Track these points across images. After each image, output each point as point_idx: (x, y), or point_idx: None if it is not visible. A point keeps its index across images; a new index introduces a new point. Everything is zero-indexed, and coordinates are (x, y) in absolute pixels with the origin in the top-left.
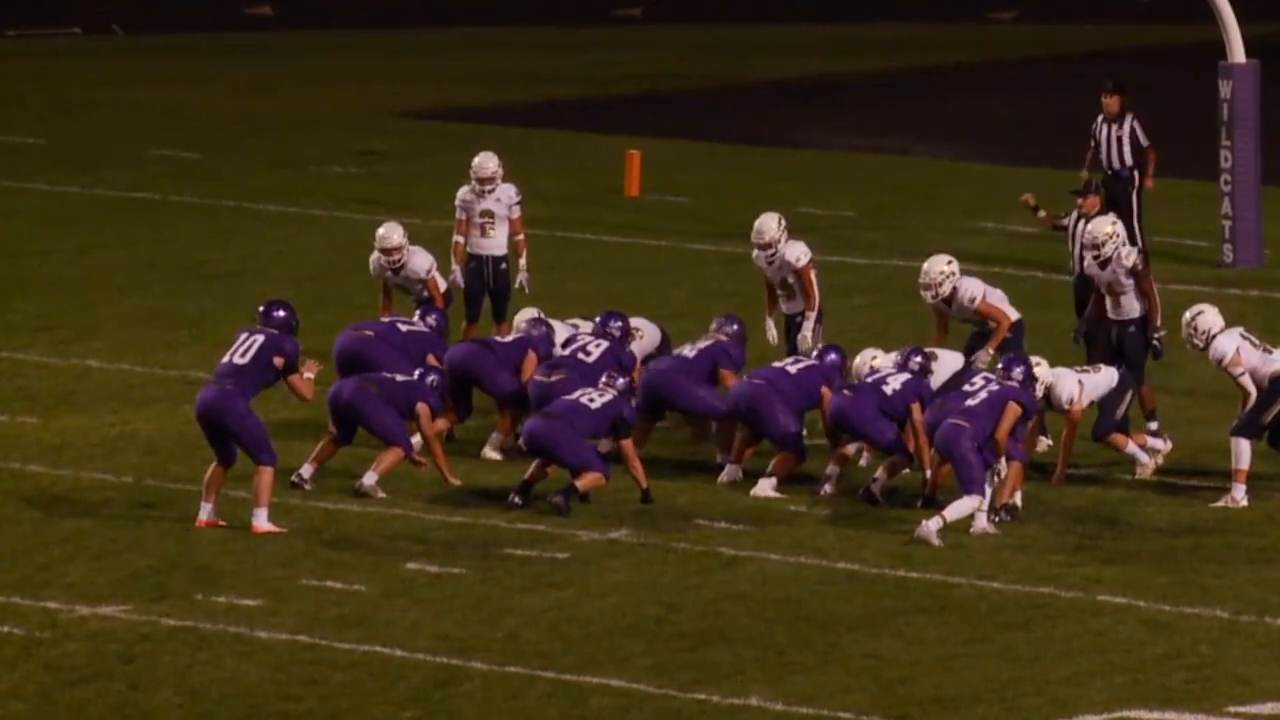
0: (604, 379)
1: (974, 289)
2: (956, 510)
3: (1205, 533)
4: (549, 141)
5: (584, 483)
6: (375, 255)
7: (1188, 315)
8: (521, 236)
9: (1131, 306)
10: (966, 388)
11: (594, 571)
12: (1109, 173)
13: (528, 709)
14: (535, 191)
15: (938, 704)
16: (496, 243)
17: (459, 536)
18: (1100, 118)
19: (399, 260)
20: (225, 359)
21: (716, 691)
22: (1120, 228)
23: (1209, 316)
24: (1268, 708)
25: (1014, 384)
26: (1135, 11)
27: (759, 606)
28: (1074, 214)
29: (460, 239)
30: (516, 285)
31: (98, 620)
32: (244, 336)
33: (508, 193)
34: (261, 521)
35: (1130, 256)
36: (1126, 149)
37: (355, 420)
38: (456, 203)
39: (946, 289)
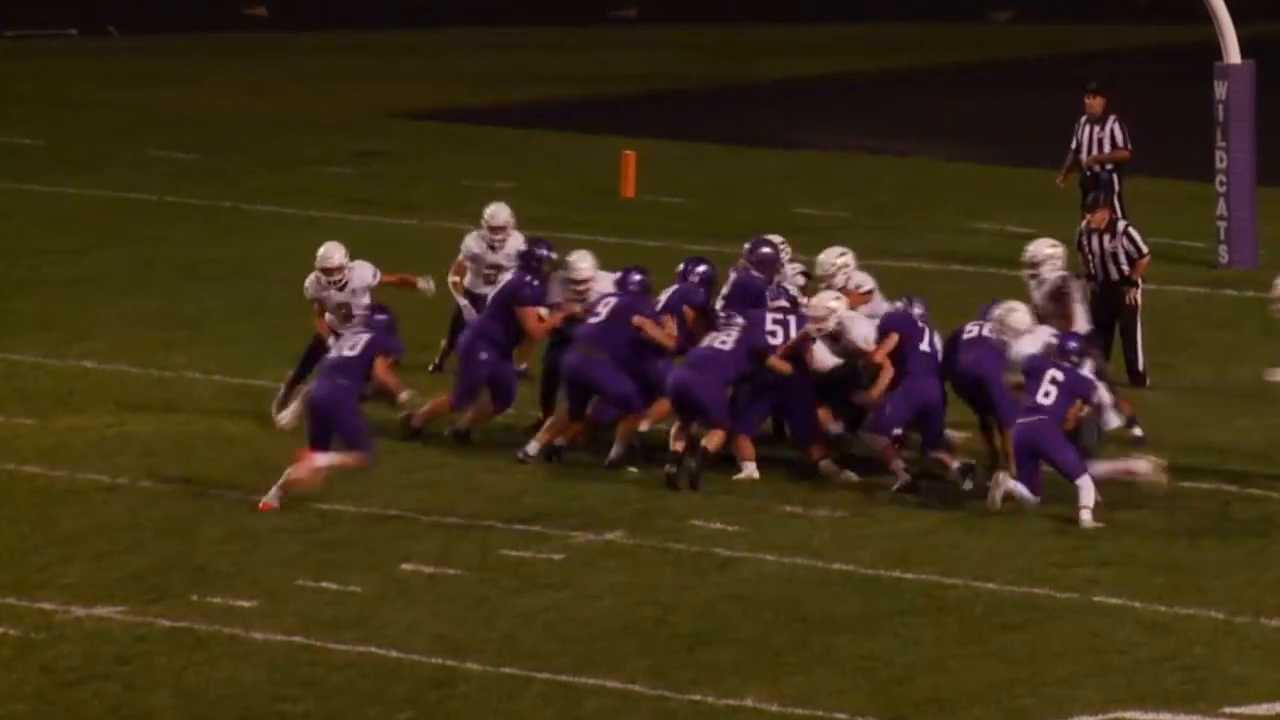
0: (723, 318)
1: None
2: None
3: (1201, 534)
4: (545, 142)
5: (712, 443)
6: (314, 276)
7: (999, 311)
8: None
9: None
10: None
11: (590, 572)
12: (1088, 174)
13: (523, 710)
14: (531, 192)
15: (934, 705)
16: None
17: (455, 537)
18: (1083, 118)
19: (341, 279)
20: (333, 354)
21: (712, 692)
22: (1061, 250)
23: (1020, 316)
24: (1263, 709)
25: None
26: (1134, 12)
27: (755, 607)
28: (1082, 228)
29: (458, 279)
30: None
31: (94, 621)
32: (351, 333)
33: (518, 245)
34: (321, 461)
35: (1053, 279)
36: (1107, 150)
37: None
38: (463, 252)
39: (840, 280)
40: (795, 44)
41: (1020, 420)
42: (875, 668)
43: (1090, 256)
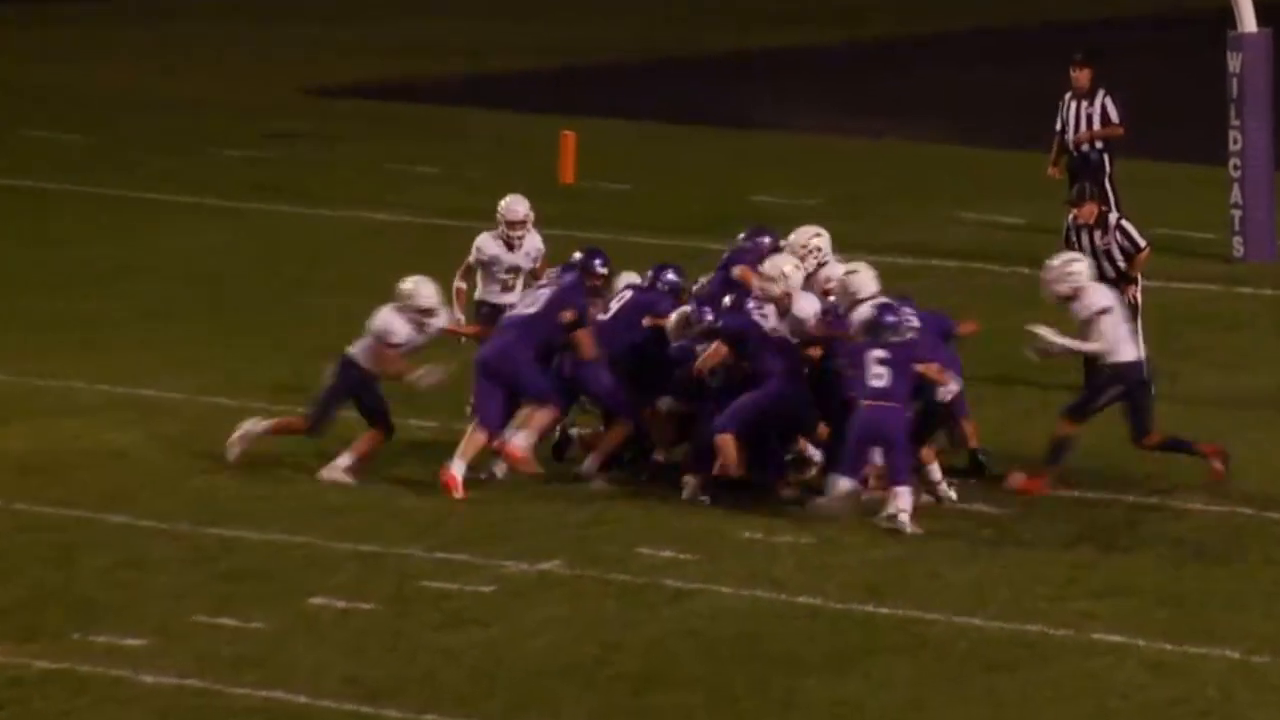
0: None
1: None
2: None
3: (1213, 562)
4: (473, 122)
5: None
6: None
7: (839, 271)
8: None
9: None
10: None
11: (523, 606)
12: (1074, 154)
13: None
14: (458, 178)
15: None
16: (515, 295)
17: (370, 567)
18: (1068, 94)
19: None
20: (513, 311)
21: None
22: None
23: (862, 278)
24: None
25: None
26: None
27: (709, 645)
28: (1069, 223)
29: (464, 285)
30: None
31: None
32: (534, 288)
33: (535, 244)
34: (520, 442)
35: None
36: (1097, 127)
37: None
38: (475, 253)
39: (810, 265)
40: (752, 11)
41: (866, 403)
42: (845, 713)
43: (1081, 254)
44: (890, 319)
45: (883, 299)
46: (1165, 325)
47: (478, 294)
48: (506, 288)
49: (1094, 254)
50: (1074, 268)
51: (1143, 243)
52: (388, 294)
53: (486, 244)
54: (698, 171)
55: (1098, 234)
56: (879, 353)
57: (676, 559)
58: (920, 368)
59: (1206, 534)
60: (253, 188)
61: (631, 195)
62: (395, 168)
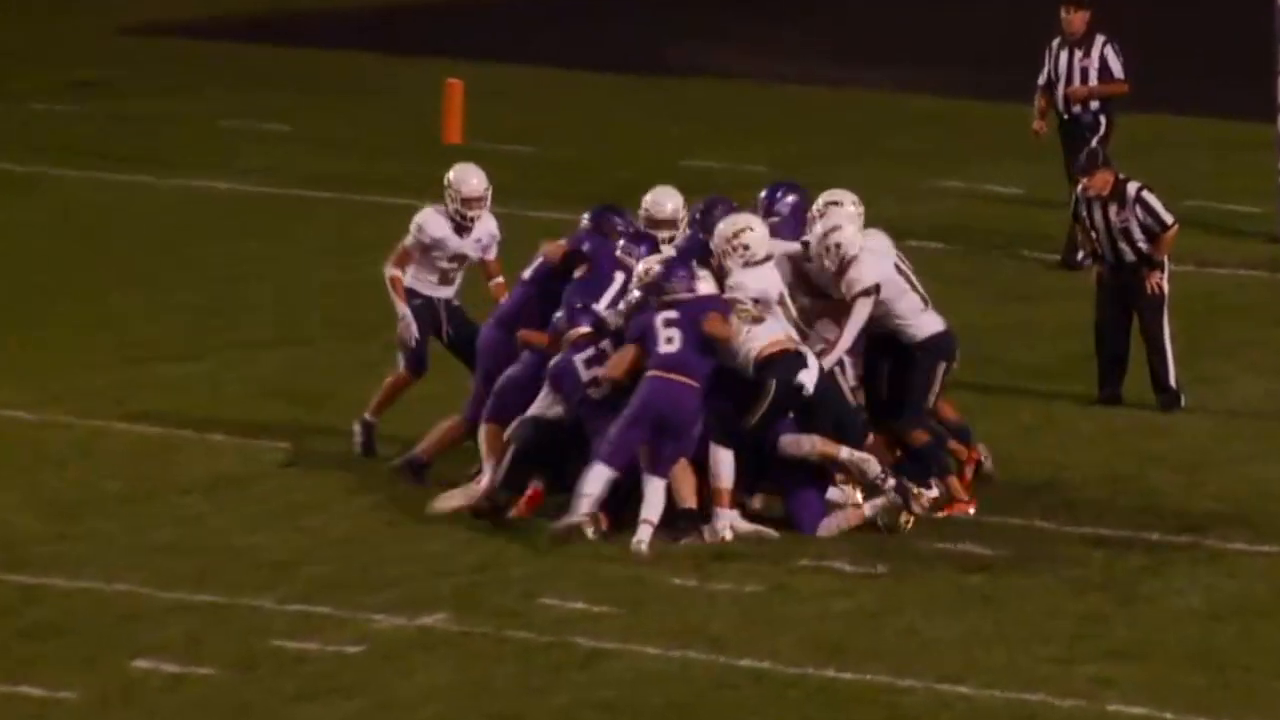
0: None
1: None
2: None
3: (1256, 614)
4: (337, 67)
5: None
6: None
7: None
8: (499, 281)
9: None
10: None
11: (399, 671)
12: (1066, 117)
13: None
14: (317, 138)
15: None
16: (455, 288)
17: (209, 621)
18: (1056, 41)
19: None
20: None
21: None
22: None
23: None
24: None
25: None
26: None
27: (630, 718)
28: (1077, 195)
29: (399, 272)
30: None
31: None
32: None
33: (489, 229)
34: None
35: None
36: (1094, 83)
37: None
38: (416, 232)
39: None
40: None
41: (652, 373)
42: None
43: (1094, 233)
44: (680, 272)
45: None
46: (1198, 319)
47: (406, 281)
48: (446, 280)
49: (1109, 232)
50: (836, 237)
51: (1169, 219)
52: (228, 283)
53: (432, 223)
54: (617, 129)
55: (1113, 208)
56: (667, 313)
57: (589, 612)
58: (705, 325)
59: (1249, 580)
60: (56, 149)
61: (534, 159)
62: (234, 125)
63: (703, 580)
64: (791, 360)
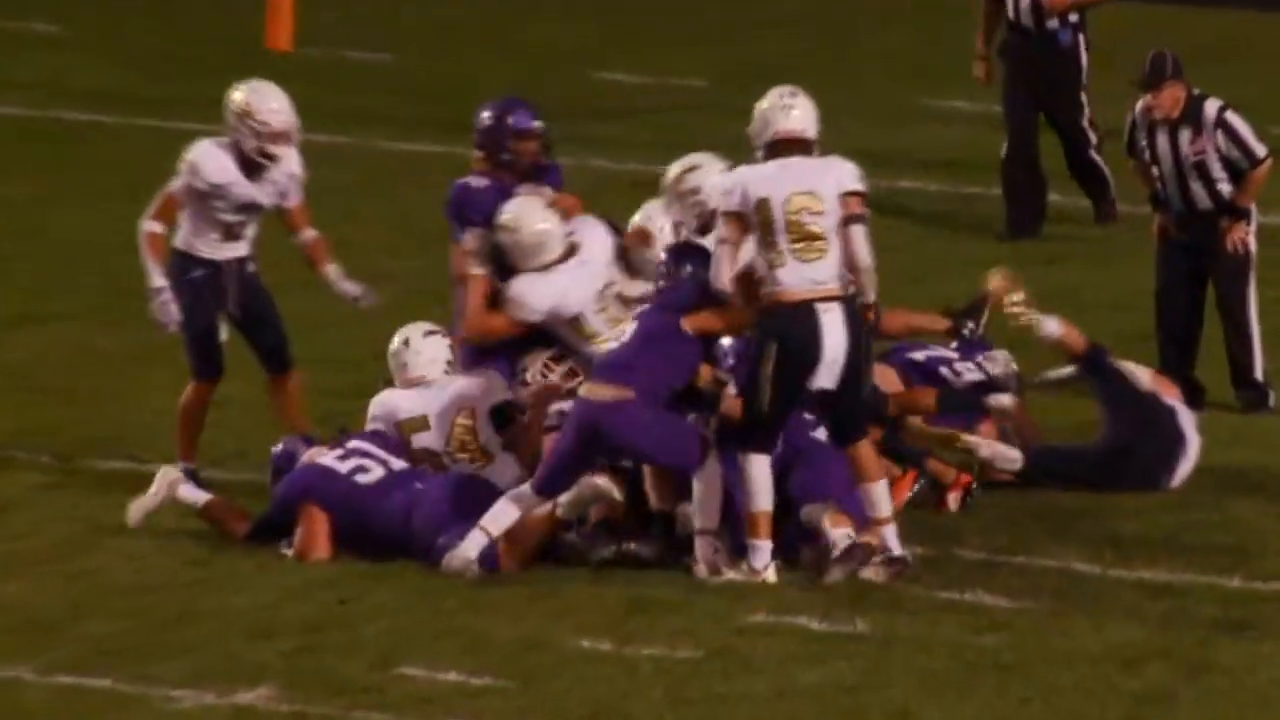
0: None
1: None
2: None
3: None
4: None
5: None
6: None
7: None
8: (313, 234)
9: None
10: None
11: None
12: (1018, 33)
13: None
14: (103, 46)
15: None
16: (247, 244)
17: None
18: None
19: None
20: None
21: None
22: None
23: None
24: None
25: None
26: None
27: None
28: (1135, 115)
29: (159, 228)
30: (352, 299)
31: None
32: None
33: (290, 168)
34: None
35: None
36: None
37: None
38: (189, 173)
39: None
40: None
41: (585, 388)
42: None
43: (1156, 168)
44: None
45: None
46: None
47: (176, 242)
48: (231, 235)
49: (1177, 168)
50: (691, 180)
51: (1261, 150)
52: None
53: (210, 162)
54: (503, 31)
55: (1185, 135)
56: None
57: (465, 685)
58: (689, 323)
59: None
60: None
61: (389, 72)
62: None
63: (619, 643)
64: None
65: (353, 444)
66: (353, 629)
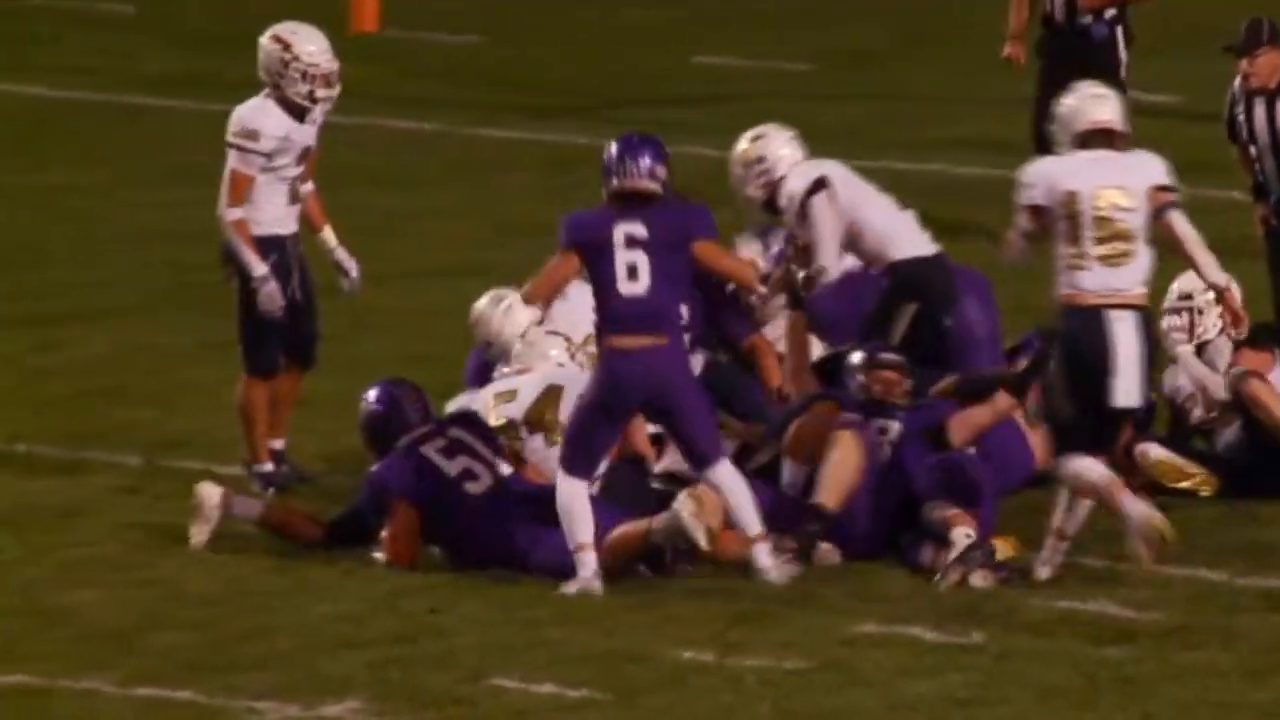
0: None
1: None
2: None
3: None
4: None
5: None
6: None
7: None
8: (311, 188)
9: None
10: None
11: None
12: (1055, 30)
13: None
14: (169, 27)
15: None
16: (298, 207)
17: (18, 713)
18: None
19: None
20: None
21: None
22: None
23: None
24: None
25: None
26: None
27: None
28: (1233, 89)
29: (242, 213)
30: (343, 274)
31: None
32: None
33: (321, 113)
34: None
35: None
36: None
37: None
38: (253, 141)
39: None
40: None
41: (613, 340)
42: None
43: (1254, 145)
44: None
45: None
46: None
47: (259, 228)
48: (294, 198)
49: (1274, 140)
50: (757, 149)
51: None
52: (28, 227)
53: (268, 119)
54: (596, 14)
55: None
56: (627, 226)
57: (560, 698)
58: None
59: None
60: None
61: (479, 55)
62: (61, 5)
63: (722, 654)
64: None
65: (454, 433)
66: (443, 640)
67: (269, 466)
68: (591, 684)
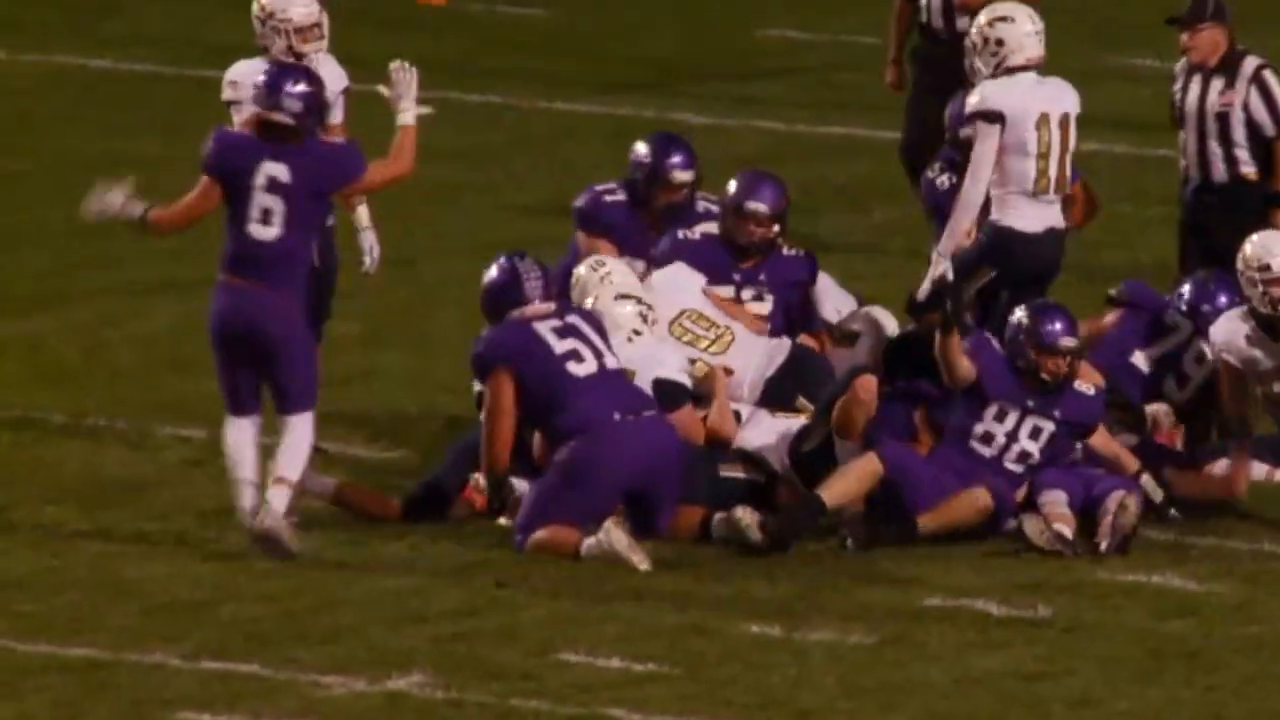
0: None
1: None
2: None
3: None
4: None
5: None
6: (243, 71)
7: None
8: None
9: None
10: None
11: None
12: (935, 35)
13: None
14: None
15: None
16: None
17: (86, 685)
18: None
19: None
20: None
21: None
22: None
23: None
24: None
25: None
26: None
27: None
28: (1180, 68)
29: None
30: (367, 251)
31: None
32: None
33: (332, 73)
34: None
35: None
36: None
37: None
38: (231, 87)
39: None
40: None
41: None
42: None
43: (1183, 126)
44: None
45: None
46: None
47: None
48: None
49: (1199, 121)
50: (1000, 30)
51: None
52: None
53: (245, 73)
54: None
55: (1216, 85)
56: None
57: (627, 672)
58: None
59: None
60: None
61: (547, 27)
62: None
63: (789, 629)
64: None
65: (571, 318)
66: (510, 614)
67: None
68: (659, 658)
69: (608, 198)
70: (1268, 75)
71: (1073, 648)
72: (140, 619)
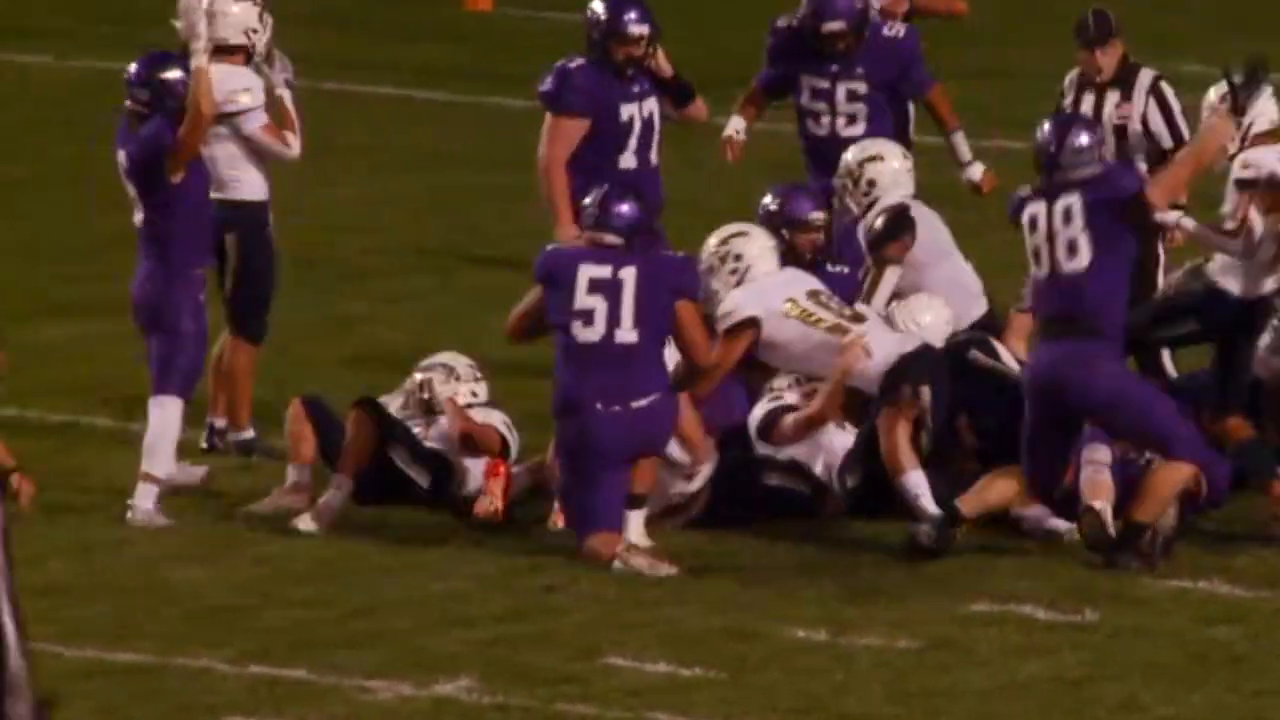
0: None
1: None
2: None
3: None
4: None
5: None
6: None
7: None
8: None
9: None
10: None
11: None
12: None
13: None
14: (307, 13)
15: None
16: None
17: (130, 690)
18: None
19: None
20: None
21: None
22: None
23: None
24: None
25: None
26: None
27: None
28: (1066, 83)
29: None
30: None
31: None
32: None
33: (286, 68)
34: None
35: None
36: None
37: None
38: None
39: None
40: None
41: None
42: None
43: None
44: None
45: None
46: None
47: (241, 194)
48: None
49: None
50: (870, 171)
51: (1187, 133)
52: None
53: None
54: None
55: (1113, 98)
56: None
57: (673, 676)
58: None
59: None
60: None
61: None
62: None
63: (834, 633)
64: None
65: (623, 272)
66: (555, 618)
67: (250, 433)
68: (704, 662)
69: (570, 65)
70: (1165, 87)
71: (1118, 653)
72: (185, 624)
